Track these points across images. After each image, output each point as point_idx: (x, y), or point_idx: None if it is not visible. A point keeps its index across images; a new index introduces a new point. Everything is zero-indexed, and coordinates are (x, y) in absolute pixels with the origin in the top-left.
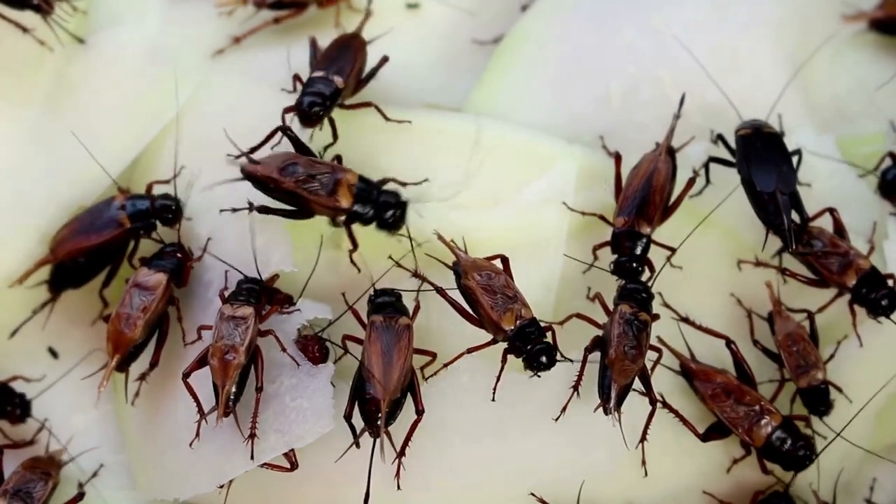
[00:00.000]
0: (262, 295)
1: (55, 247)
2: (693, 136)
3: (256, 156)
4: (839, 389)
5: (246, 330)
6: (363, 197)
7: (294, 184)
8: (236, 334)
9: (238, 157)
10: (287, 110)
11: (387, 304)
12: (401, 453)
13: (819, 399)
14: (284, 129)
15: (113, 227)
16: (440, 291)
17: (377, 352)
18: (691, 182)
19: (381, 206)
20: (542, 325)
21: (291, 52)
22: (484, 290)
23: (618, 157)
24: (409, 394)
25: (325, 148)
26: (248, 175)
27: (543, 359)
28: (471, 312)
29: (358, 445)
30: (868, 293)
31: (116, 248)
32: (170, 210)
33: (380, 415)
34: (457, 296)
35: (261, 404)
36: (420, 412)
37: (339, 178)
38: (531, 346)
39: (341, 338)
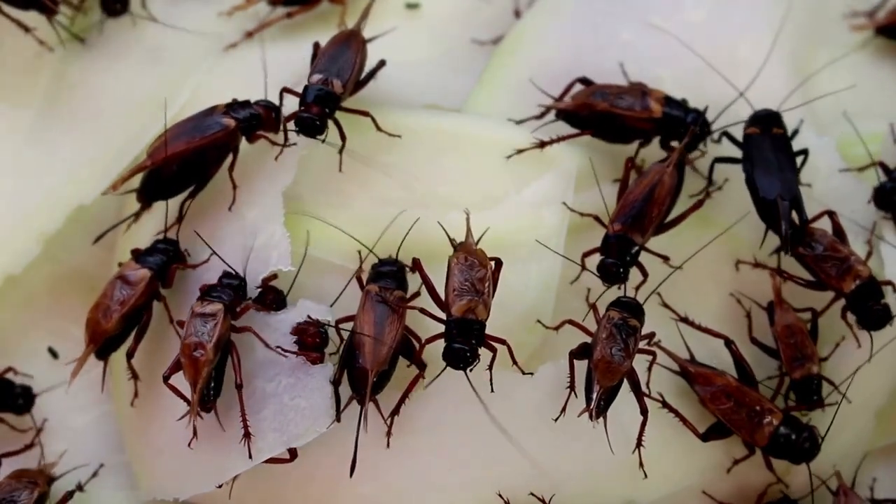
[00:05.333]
0: (239, 292)
1: (153, 152)
2: (705, 152)
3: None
4: (832, 384)
5: (214, 327)
6: None
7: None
8: (204, 331)
9: None
10: (287, 119)
11: (386, 275)
12: (395, 411)
13: (811, 391)
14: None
15: (218, 128)
16: (416, 263)
17: (369, 322)
18: (699, 204)
19: None
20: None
21: (292, 52)
22: (459, 272)
23: (629, 162)
24: (403, 361)
25: (340, 150)
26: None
27: (454, 358)
28: (437, 292)
29: (339, 418)
30: (864, 302)
31: (215, 155)
32: (268, 113)
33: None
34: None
35: (260, 403)
36: (422, 367)
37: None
38: (455, 342)
39: (335, 323)
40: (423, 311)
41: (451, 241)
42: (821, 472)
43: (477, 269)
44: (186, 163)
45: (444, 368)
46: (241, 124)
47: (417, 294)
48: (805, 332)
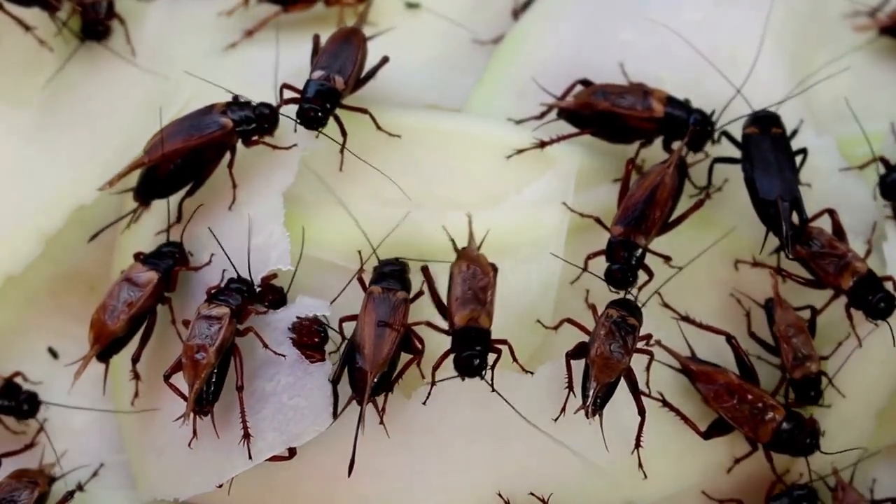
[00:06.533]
0: (246, 297)
1: (149, 150)
2: (707, 155)
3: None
4: (830, 380)
5: (218, 330)
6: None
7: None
8: (208, 334)
9: None
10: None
11: (389, 276)
12: (388, 388)
13: (811, 388)
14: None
15: (215, 127)
16: (424, 271)
17: (371, 323)
18: (699, 204)
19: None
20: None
21: (292, 52)
22: (462, 281)
23: (630, 163)
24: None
25: (341, 149)
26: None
27: (467, 366)
28: (441, 298)
29: (336, 416)
30: (865, 296)
31: (212, 154)
32: (267, 117)
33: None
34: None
35: (259, 403)
36: (419, 352)
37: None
38: (463, 351)
39: (338, 322)
40: (429, 324)
41: (454, 245)
42: (822, 473)
43: (479, 277)
44: (183, 161)
45: (461, 378)
46: (237, 126)
47: (422, 294)
48: (806, 331)
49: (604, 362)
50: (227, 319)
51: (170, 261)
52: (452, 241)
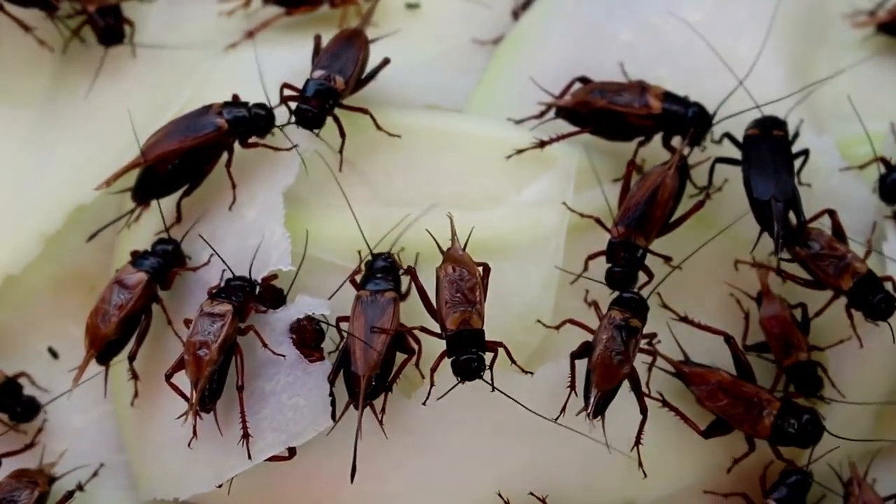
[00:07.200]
0: (248, 296)
1: (146, 150)
2: (708, 156)
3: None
4: (824, 368)
5: (221, 327)
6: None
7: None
8: (211, 331)
9: None
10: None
11: (376, 277)
12: (387, 389)
13: (806, 378)
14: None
15: (210, 128)
16: (413, 274)
17: (359, 328)
18: (700, 205)
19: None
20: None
21: (292, 52)
22: (449, 284)
23: (630, 164)
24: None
25: (340, 149)
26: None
27: (465, 369)
28: (431, 302)
29: (334, 417)
30: (865, 297)
31: (209, 154)
32: (262, 118)
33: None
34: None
35: (259, 402)
36: (412, 352)
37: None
38: (459, 355)
39: (335, 321)
40: (423, 329)
41: (440, 247)
42: (822, 472)
43: (467, 279)
44: (180, 161)
45: (460, 382)
46: (232, 126)
47: (409, 293)
48: (790, 322)
49: (605, 370)
50: (230, 316)
51: (160, 260)
52: (437, 242)
